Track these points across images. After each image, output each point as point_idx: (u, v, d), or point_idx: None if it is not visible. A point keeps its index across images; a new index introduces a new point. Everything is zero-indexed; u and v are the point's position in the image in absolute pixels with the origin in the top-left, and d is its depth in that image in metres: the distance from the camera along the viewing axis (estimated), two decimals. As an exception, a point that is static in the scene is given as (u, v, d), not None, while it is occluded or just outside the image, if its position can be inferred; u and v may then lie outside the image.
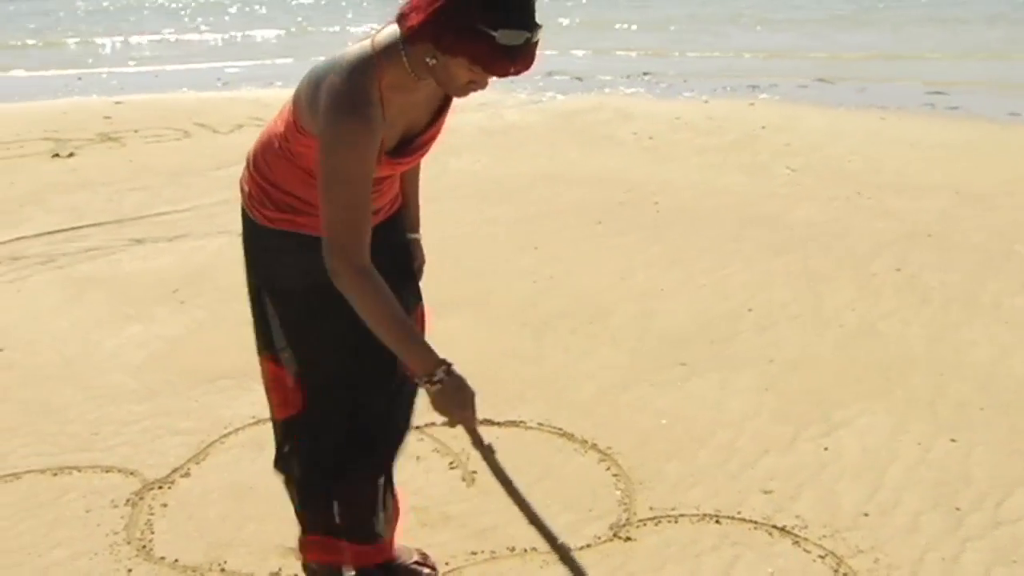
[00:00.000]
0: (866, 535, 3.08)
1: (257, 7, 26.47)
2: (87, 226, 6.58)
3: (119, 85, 13.32)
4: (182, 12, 24.56)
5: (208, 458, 3.62)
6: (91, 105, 11.35)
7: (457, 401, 2.28)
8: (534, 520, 2.39)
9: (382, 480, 2.70)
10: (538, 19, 1.99)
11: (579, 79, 13.34)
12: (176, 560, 3.01)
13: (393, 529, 2.77)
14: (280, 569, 2.92)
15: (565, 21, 21.15)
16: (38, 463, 3.59)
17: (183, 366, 4.39)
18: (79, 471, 3.53)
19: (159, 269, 5.72)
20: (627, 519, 3.19)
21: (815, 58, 14.68)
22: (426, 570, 2.89)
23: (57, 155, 8.79)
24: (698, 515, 3.21)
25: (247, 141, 2.57)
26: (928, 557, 2.98)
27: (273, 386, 2.55)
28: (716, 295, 5.17)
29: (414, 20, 2.01)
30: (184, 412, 3.96)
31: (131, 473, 3.51)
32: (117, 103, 11.50)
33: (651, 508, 3.25)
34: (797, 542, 3.05)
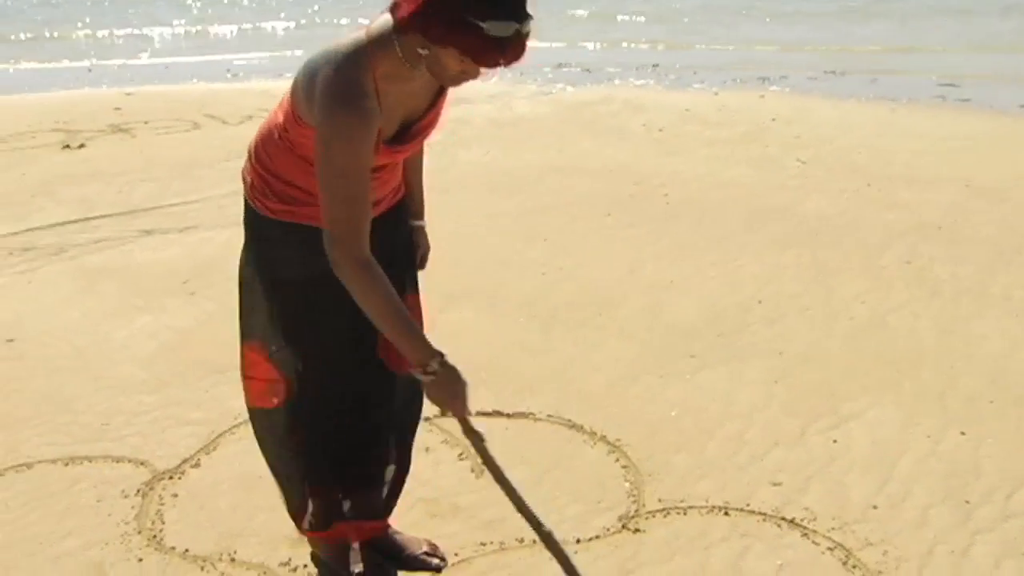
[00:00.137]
0: (875, 528, 3.08)
1: (266, 3, 26.49)
2: (98, 217, 6.60)
3: (129, 77, 13.34)
4: (192, 4, 24.58)
5: (218, 448, 3.63)
6: (102, 97, 11.37)
7: (450, 391, 2.30)
8: (522, 508, 2.40)
9: (391, 468, 2.72)
10: (529, 10, 2.00)
11: (589, 71, 13.32)
12: (187, 550, 3.02)
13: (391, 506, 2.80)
14: (290, 559, 2.93)
15: (577, 12, 21.11)
16: (50, 453, 3.61)
17: (193, 357, 4.40)
18: (90, 461, 3.55)
19: (169, 260, 5.73)
20: (636, 511, 3.19)
21: (826, 50, 14.64)
22: (435, 560, 2.90)
23: (68, 146, 8.81)
24: (707, 507, 3.21)
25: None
26: (937, 550, 2.97)
27: (253, 374, 2.56)
28: (725, 287, 5.16)
29: (405, 11, 2.02)
30: (194, 403, 3.98)
31: (142, 463, 3.52)
32: (127, 95, 11.52)
33: (660, 500, 3.25)
34: (806, 534, 3.05)
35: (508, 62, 2.02)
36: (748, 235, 5.99)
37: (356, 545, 2.69)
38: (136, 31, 19.00)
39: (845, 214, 6.39)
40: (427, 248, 2.75)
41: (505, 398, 3.95)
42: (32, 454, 3.60)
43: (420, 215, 2.72)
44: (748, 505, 3.21)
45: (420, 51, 2.05)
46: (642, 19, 19.79)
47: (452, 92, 2.36)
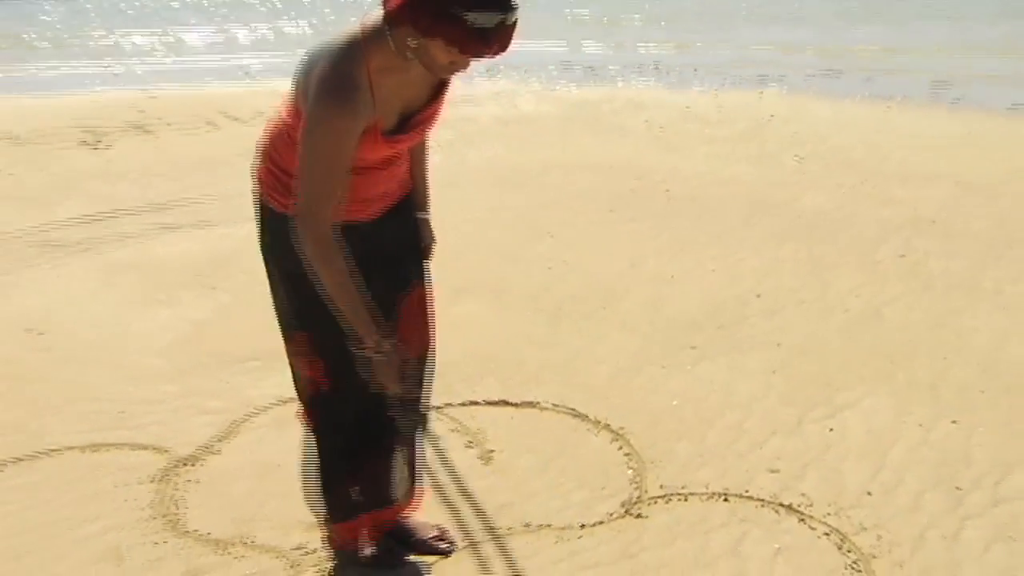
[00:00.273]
0: (869, 513, 3.07)
1: (282, 6, 26.54)
2: (120, 213, 6.61)
3: (150, 79, 13.35)
4: (211, 8, 24.61)
5: (235, 436, 3.63)
6: (124, 98, 11.38)
7: (385, 368, 2.32)
8: None
9: (397, 456, 2.71)
10: (515, 1, 1.98)
11: (592, 70, 13.29)
12: (204, 534, 3.02)
13: (411, 494, 2.78)
14: (303, 544, 2.93)
15: (581, 14, 21.09)
16: (73, 440, 3.61)
17: (211, 348, 4.40)
18: (112, 448, 3.55)
19: (188, 254, 5.73)
20: (639, 497, 3.18)
21: (823, 50, 14.58)
22: (444, 544, 2.90)
23: (91, 145, 8.82)
24: (707, 493, 3.20)
25: (271, 131, 2.56)
26: (929, 535, 2.97)
27: (303, 363, 2.55)
28: (725, 281, 5.15)
29: (394, 3, 2.03)
30: (212, 392, 3.98)
31: (161, 450, 3.52)
32: (149, 96, 11.52)
33: (662, 486, 3.24)
34: (803, 520, 3.04)
35: (494, 52, 2.01)
36: (747, 230, 5.97)
37: (365, 532, 2.68)
38: (157, 36, 19.03)
39: (841, 209, 6.37)
40: (432, 240, 2.73)
41: (512, 388, 3.95)
42: (56, 441, 3.60)
43: (425, 208, 2.70)
44: (747, 491, 3.20)
45: (410, 42, 2.05)
46: (645, 20, 19.76)
47: (453, 86, 2.36)
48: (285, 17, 22.73)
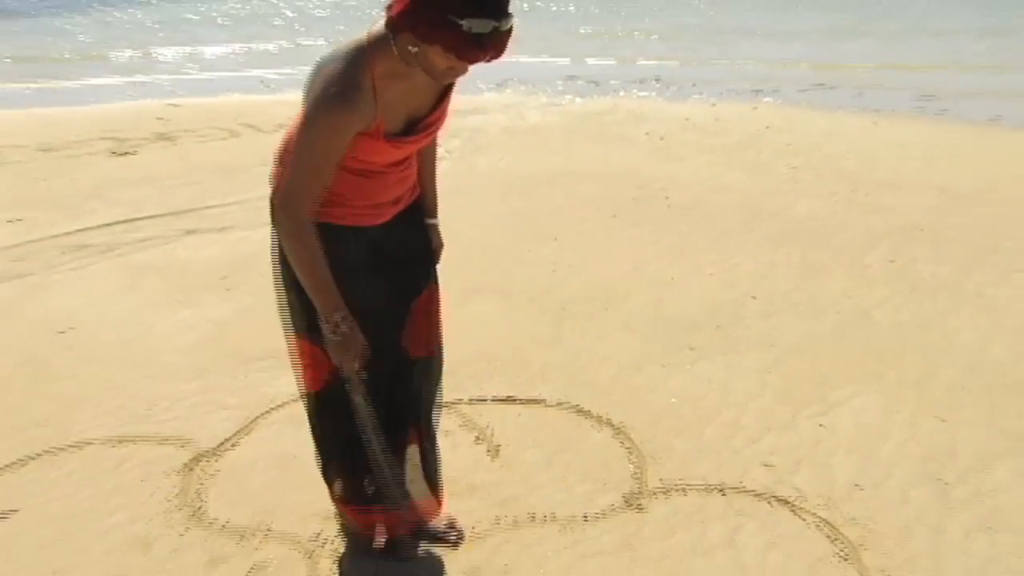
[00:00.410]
0: (859, 506, 3.07)
1: (300, 19, 26.56)
2: (144, 218, 6.62)
3: (173, 90, 13.37)
4: (229, 24, 24.65)
5: (254, 431, 3.64)
6: (148, 108, 11.39)
7: (346, 347, 2.33)
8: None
9: (410, 452, 2.72)
10: (509, 9, 1.99)
11: (596, 83, 13.27)
12: (225, 524, 3.03)
13: (433, 495, 2.79)
14: (320, 532, 2.94)
15: (585, 30, 21.09)
16: (100, 434, 3.62)
17: (230, 347, 4.41)
18: (137, 442, 3.56)
19: (209, 258, 5.74)
20: (639, 490, 3.18)
21: (815, 65, 14.55)
22: (454, 534, 2.90)
23: (117, 154, 8.83)
24: (705, 487, 3.20)
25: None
26: (915, 526, 2.97)
27: (302, 362, 2.55)
28: (722, 284, 5.14)
29: (395, 10, 2.05)
30: (231, 389, 3.98)
31: (184, 444, 3.53)
32: (171, 106, 11.54)
33: (661, 480, 3.24)
34: (795, 512, 3.05)
35: (489, 57, 2.03)
36: (743, 235, 5.96)
37: (381, 522, 2.69)
38: (179, 49, 19.05)
39: (833, 216, 6.36)
40: (440, 244, 2.74)
41: (518, 385, 3.95)
42: (84, 435, 3.62)
43: (434, 214, 2.71)
44: (742, 485, 3.20)
45: (411, 48, 2.07)
46: (646, 36, 19.75)
47: (456, 92, 2.37)
48: (301, 31, 22.74)
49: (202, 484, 3.27)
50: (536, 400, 3.84)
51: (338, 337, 2.30)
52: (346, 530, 2.86)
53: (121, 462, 3.42)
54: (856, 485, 3.20)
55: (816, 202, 6.73)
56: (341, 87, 2.11)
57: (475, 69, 2.13)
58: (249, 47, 19.77)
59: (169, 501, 3.17)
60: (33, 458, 3.45)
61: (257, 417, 3.73)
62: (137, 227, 6.41)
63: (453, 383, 3.82)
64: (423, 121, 2.31)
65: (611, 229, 6.18)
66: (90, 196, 7.22)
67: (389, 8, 2.07)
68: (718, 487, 3.20)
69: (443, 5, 1.95)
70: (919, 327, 4.53)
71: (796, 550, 2.86)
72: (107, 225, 6.44)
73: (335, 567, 2.81)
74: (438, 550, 2.86)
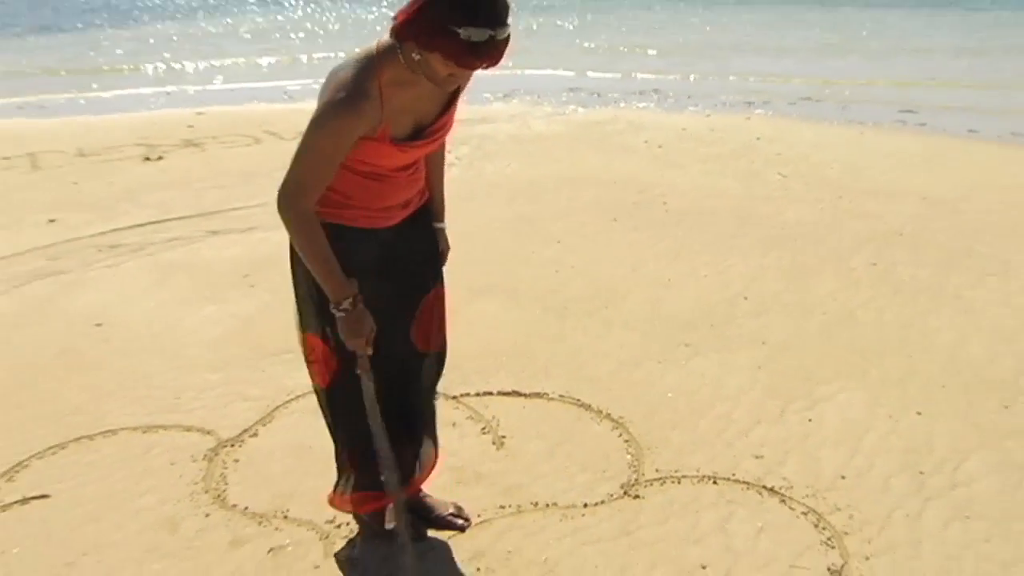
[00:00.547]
0: (843, 495, 3.07)
1: (318, 33, 26.57)
2: (173, 219, 6.62)
3: (200, 99, 13.37)
4: (253, 38, 24.65)
5: (273, 421, 3.64)
6: (177, 116, 11.39)
7: (355, 329, 2.31)
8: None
9: (419, 443, 2.71)
10: (505, 19, 1.99)
11: (598, 95, 13.25)
12: (246, 507, 3.03)
13: (425, 470, 2.77)
14: (335, 517, 2.94)
15: (588, 45, 21.05)
16: (131, 422, 3.63)
17: (252, 341, 4.41)
18: (164, 430, 3.57)
19: (233, 257, 5.74)
20: (636, 479, 3.18)
21: (804, 80, 14.51)
22: (460, 521, 2.90)
23: (148, 159, 8.84)
24: (698, 477, 3.19)
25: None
26: (895, 514, 2.97)
27: (314, 358, 2.54)
28: (716, 285, 5.13)
29: (399, 20, 2.06)
30: (253, 381, 3.98)
31: (208, 432, 3.54)
32: (199, 114, 11.54)
33: (657, 470, 3.24)
34: (784, 501, 3.04)
35: (488, 65, 2.03)
36: (736, 239, 5.95)
37: (392, 504, 2.68)
38: (205, 61, 19.05)
39: (820, 222, 6.35)
40: (447, 248, 2.73)
41: (523, 380, 3.94)
42: (116, 423, 3.62)
43: (441, 219, 2.71)
44: (734, 475, 3.20)
45: (415, 56, 2.07)
46: (644, 52, 19.72)
47: (464, 102, 2.37)
48: (319, 44, 22.74)
49: (225, 470, 3.27)
50: (539, 394, 3.83)
51: (343, 314, 2.28)
52: (358, 519, 2.85)
53: (150, 448, 3.43)
54: (841, 476, 3.19)
55: (804, 208, 6.71)
56: (349, 93, 2.11)
57: (483, 80, 2.13)
58: (271, 59, 19.77)
59: (195, 484, 3.17)
60: (68, 444, 3.46)
61: (277, 407, 3.73)
62: (166, 228, 6.42)
63: (460, 377, 3.82)
64: (430, 127, 2.31)
65: (612, 232, 6.17)
66: (123, 198, 7.23)
67: (395, 18, 2.08)
68: (711, 477, 3.19)
69: (443, 15, 1.96)
70: (901, 327, 4.51)
71: (784, 537, 2.86)
72: (138, 226, 6.45)
73: (349, 550, 2.81)
74: (445, 535, 2.86)
